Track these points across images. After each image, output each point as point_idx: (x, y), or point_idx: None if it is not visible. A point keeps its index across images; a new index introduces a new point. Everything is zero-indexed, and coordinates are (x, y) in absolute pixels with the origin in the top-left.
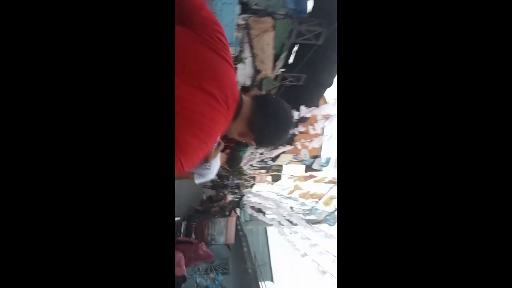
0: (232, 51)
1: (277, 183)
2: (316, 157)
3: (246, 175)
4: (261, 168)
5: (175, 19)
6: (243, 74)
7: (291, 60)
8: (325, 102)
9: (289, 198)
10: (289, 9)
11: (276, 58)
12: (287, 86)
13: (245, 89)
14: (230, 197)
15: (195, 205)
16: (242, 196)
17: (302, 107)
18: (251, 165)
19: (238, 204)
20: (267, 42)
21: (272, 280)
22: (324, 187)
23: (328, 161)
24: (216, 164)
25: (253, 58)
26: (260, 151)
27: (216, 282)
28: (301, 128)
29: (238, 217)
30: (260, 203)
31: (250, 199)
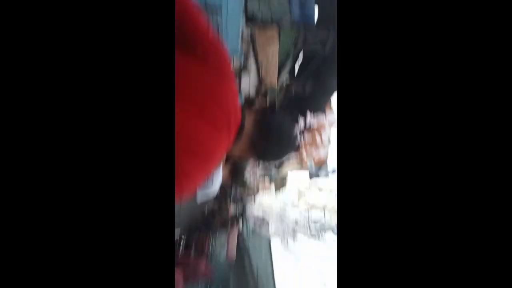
0: (237, 61)
1: (281, 191)
2: (321, 165)
3: (248, 185)
4: (265, 175)
5: (178, 45)
6: (248, 83)
7: (296, 68)
8: (331, 110)
9: (294, 208)
10: (294, 18)
11: (281, 67)
12: (292, 95)
13: (249, 100)
14: (232, 208)
15: (197, 218)
16: (245, 206)
17: (308, 114)
18: (254, 173)
19: (241, 215)
20: (272, 51)
21: None
22: (329, 196)
23: (334, 169)
24: (218, 179)
25: (258, 68)
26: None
27: None
28: (306, 136)
29: (240, 230)
30: (263, 215)
31: (253, 210)
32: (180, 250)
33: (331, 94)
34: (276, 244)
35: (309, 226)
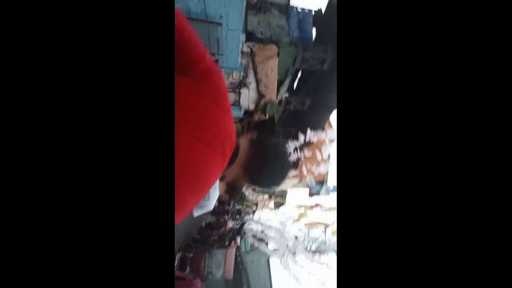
0: (237, 76)
1: (281, 209)
2: (321, 182)
3: (247, 200)
4: (264, 192)
5: (176, 68)
6: (247, 98)
7: (295, 85)
8: (330, 127)
9: (294, 225)
10: (293, 37)
11: (280, 83)
12: (291, 111)
13: (249, 114)
14: (230, 224)
15: (193, 233)
16: (243, 223)
17: (308, 130)
18: (253, 190)
19: (239, 231)
20: (271, 68)
21: None
22: (329, 214)
23: (335, 188)
24: (214, 194)
25: (258, 83)
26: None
27: None
28: (306, 152)
29: (238, 247)
30: (262, 232)
31: (251, 226)
32: (175, 269)
33: (330, 111)
34: (275, 263)
35: (308, 244)
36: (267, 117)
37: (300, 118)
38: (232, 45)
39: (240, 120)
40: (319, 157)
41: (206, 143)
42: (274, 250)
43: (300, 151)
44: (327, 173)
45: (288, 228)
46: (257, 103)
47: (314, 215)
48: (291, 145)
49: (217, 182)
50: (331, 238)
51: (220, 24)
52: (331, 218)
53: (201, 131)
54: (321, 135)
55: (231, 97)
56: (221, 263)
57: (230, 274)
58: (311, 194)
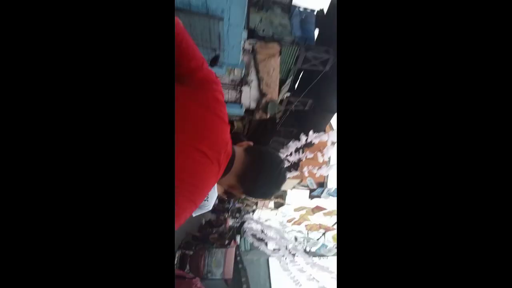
0: (238, 73)
1: (281, 209)
2: (321, 184)
3: (247, 199)
4: None
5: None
6: (248, 97)
7: (297, 85)
8: (332, 129)
9: (293, 226)
10: (295, 36)
11: (282, 82)
12: (293, 111)
13: (250, 112)
14: (230, 222)
15: (193, 231)
16: (243, 221)
17: (310, 132)
18: (246, 200)
19: (239, 230)
20: (273, 67)
21: None
22: (331, 219)
23: (335, 190)
24: (213, 194)
25: (259, 82)
26: None
27: None
28: (308, 154)
29: (238, 246)
30: (262, 231)
31: (251, 225)
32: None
33: (332, 113)
34: (274, 263)
35: (308, 246)
36: (268, 116)
37: (302, 119)
38: (234, 41)
39: (241, 119)
40: (320, 159)
41: (203, 152)
42: (274, 250)
43: (302, 152)
44: (327, 176)
45: (288, 229)
46: (258, 102)
47: (315, 218)
48: (292, 145)
49: (215, 184)
50: (332, 241)
51: (222, 19)
52: (332, 221)
53: (198, 140)
54: (323, 137)
55: (232, 94)
56: (220, 262)
57: (229, 273)
58: (311, 197)
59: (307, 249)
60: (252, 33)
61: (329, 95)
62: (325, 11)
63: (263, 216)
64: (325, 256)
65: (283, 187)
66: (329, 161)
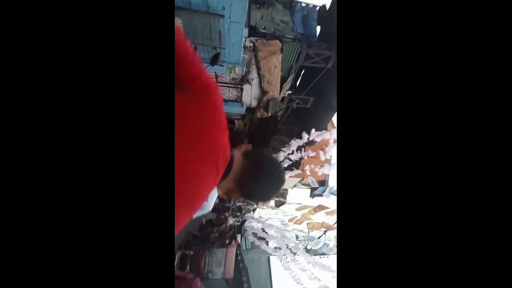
0: (239, 71)
1: (282, 208)
2: (323, 182)
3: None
4: None
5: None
6: (249, 95)
7: (298, 82)
8: (333, 127)
9: (294, 224)
10: (297, 34)
11: (283, 80)
12: (294, 108)
13: (251, 111)
14: (231, 221)
15: (193, 230)
16: (244, 220)
17: (312, 131)
18: (243, 203)
19: (239, 229)
20: (274, 64)
21: None
22: (332, 218)
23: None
24: (213, 195)
25: (260, 79)
26: None
27: None
28: (310, 152)
29: (239, 245)
30: (263, 230)
31: (252, 224)
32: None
33: (334, 111)
34: (275, 262)
35: (310, 245)
36: (269, 114)
37: (303, 117)
38: (235, 39)
39: (242, 117)
40: (322, 157)
41: (202, 157)
42: (275, 249)
43: (304, 150)
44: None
45: (289, 227)
46: (259, 100)
47: (317, 217)
48: (293, 143)
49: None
50: (333, 240)
51: (222, 16)
52: (334, 220)
53: (198, 145)
54: (325, 135)
55: (233, 93)
56: (221, 262)
57: (230, 273)
58: (312, 195)
59: (309, 248)
60: (253, 30)
61: (331, 92)
62: (327, 7)
63: (264, 215)
64: (327, 255)
65: (284, 186)
66: (330, 159)
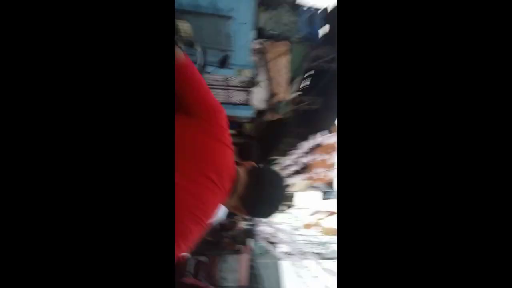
0: (248, 73)
1: (293, 212)
2: (330, 186)
3: None
4: None
5: (178, 108)
6: (258, 98)
7: (307, 83)
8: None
9: (305, 229)
10: (305, 34)
11: (292, 81)
12: (303, 110)
13: (259, 113)
14: (242, 224)
15: (205, 235)
16: (255, 224)
17: (319, 133)
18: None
19: (251, 234)
20: (283, 65)
21: None
22: None
23: None
24: (222, 210)
25: (269, 81)
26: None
27: None
28: (318, 155)
29: (251, 250)
30: (273, 235)
31: (263, 228)
32: (187, 277)
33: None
34: (287, 267)
35: (321, 250)
36: (279, 116)
37: (310, 119)
38: (243, 41)
39: (251, 120)
40: (329, 161)
41: (208, 177)
42: (286, 254)
43: (311, 154)
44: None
45: (299, 233)
46: (268, 102)
47: (325, 219)
48: (302, 146)
49: None
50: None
51: (230, 18)
52: None
53: (204, 166)
54: (332, 138)
55: (242, 96)
56: (234, 268)
57: (245, 279)
58: (324, 198)
59: (320, 253)
60: (260, 32)
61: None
62: (330, 9)
63: (275, 219)
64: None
65: (293, 190)
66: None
